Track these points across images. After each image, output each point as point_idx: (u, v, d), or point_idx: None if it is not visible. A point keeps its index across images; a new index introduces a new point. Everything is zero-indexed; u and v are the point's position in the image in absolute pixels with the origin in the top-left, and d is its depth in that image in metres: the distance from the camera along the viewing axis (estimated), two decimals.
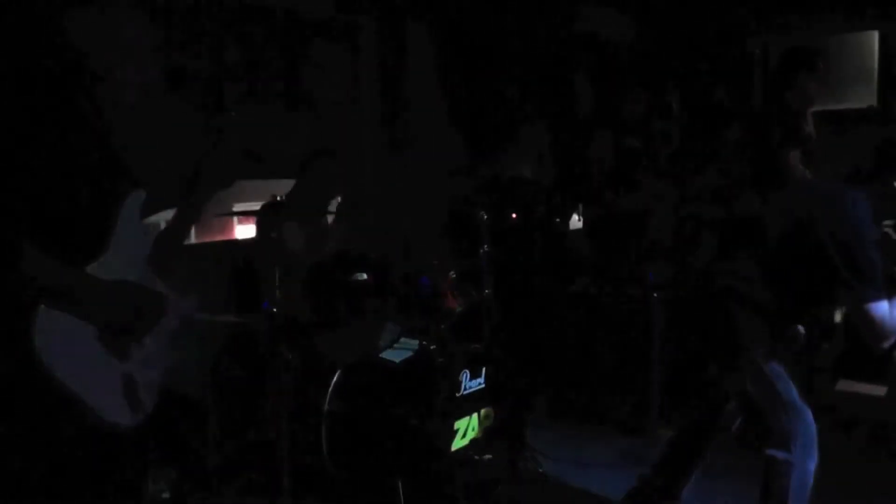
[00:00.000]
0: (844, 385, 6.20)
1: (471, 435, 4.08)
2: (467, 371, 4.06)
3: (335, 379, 4.16)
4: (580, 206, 6.22)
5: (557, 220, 6.25)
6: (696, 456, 3.72)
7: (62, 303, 2.04)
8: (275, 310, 3.72)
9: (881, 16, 7.91)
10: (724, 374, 3.55)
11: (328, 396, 4.12)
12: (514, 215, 6.33)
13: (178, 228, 2.47)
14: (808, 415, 3.33)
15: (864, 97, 7.85)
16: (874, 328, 3.01)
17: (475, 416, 4.11)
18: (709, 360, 3.57)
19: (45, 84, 2.17)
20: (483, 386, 4.15)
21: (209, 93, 5.17)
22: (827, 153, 4.88)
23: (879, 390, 6.08)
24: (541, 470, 4.59)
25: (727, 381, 3.58)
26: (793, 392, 3.31)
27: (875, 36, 8.12)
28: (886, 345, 3.04)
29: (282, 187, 4.87)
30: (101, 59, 2.35)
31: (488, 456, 4.10)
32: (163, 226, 2.50)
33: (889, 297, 3.00)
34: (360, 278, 4.13)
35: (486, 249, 4.69)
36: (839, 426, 5.35)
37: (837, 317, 3.73)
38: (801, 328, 3.52)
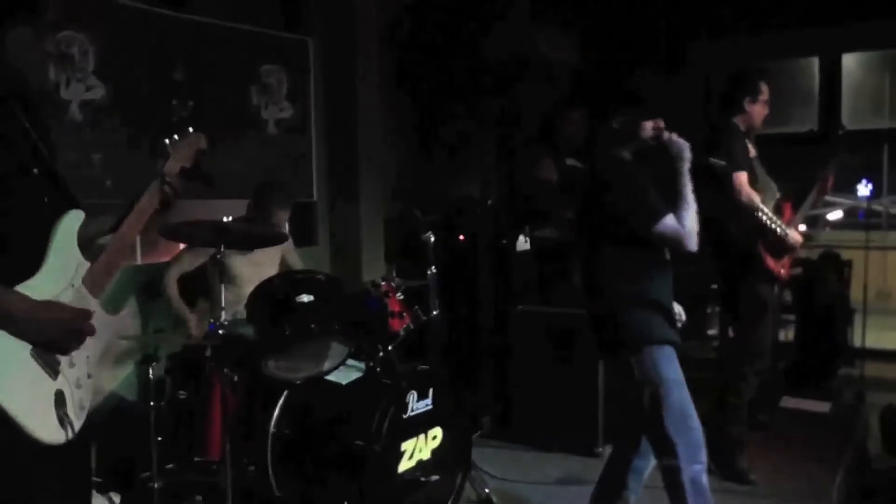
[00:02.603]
0: (789, 401, 6.30)
1: (418, 456, 4.07)
2: (414, 392, 4.06)
3: (281, 400, 4.14)
4: (527, 227, 6.25)
5: (504, 241, 6.27)
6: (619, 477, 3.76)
7: None
8: (221, 331, 3.69)
9: (821, 42, 8.09)
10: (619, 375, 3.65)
11: (274, 418, 4.10)
12: (461, 236, 6.35)
13: (122, 242, 2.40)
14: (693, 420, 3.42)
15: (805, 121, 8.02)
16: (672, 240, 3.42)
17: (422, 437, 4.10)
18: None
19: None
20: (430, 407, 4.14)
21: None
22: (771, 174, 4.96)
23: (823, 406, 6.19)
24: (487, 490, 4.60)
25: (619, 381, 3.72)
26: (680, 396, 3.41)
27: (815, 62, 8.31)
28: (692, 246, 3.41)
29: (228, 208, 4.86)
30: (45, 78, 2.32)
31: (435, 477, 4.09)
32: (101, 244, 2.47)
33: (670, 213, 3.40)
34: (305, 299, 4.11)
35: (433, 270, 4.70)
36: (783, 442, 5.43)
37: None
38: (680, 309, 3.64)
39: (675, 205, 3.43)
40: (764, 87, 4.89)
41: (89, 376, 2.30)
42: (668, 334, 3.45)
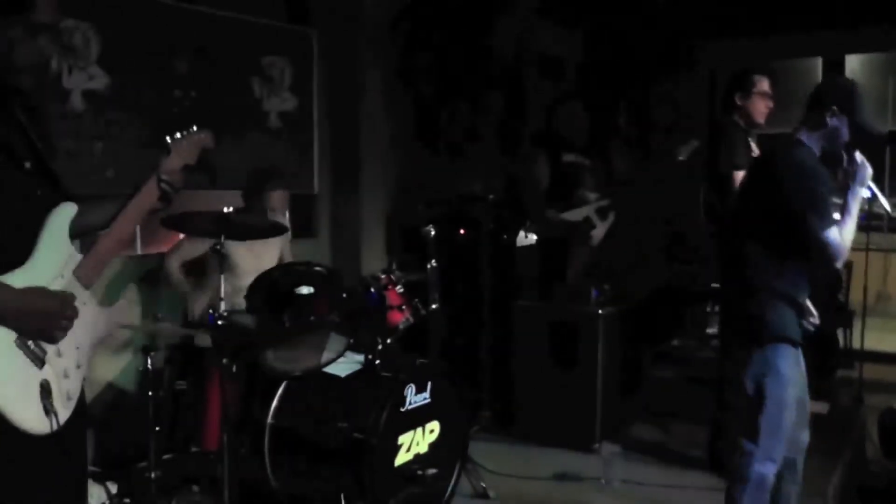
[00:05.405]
0: None
1: (415, 449, 4.07)
2: (413, 385, 4.06)
3: (279, 392, 4.14)
4: (528, 222, 6.25)
5: (504, 235, 6.27)
6: None
7: None
8: (220, 322, 3.69)
9: (825, 43, 8.09)
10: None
11: (272, 410, 4.10)
12: (462, 230, 6.36)
13: (115, 238, 2.41)
14: (787, 421, 3.43)
15: None
16: (832, 252, 3.28)
17: (420, 430, 4.10)
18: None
19: None
20: (428, 400, 4.14)
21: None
22: None
23: (822, 408, 6.19)
24: (484, 485, 4.60)
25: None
26: (785, 393, 3.41)
27: (819, 62, 8.31)
28: (841, 264, 3.35)
29: (230, 199, 4.85)
30: (44, 73, 2.31)
31: (432, 470, 4.09)
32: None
33: (837, 224, 3.29)
34: (305, 291, 4.10)
35: (434, 264, 4.69)
36: None
37: None
38: (814, 311, 3.59)
39: (840, 216, 3.33)
40: (758, 80, 4.87)
41: (78, 366, 2.30)
42: (795, 334, 3.44)
